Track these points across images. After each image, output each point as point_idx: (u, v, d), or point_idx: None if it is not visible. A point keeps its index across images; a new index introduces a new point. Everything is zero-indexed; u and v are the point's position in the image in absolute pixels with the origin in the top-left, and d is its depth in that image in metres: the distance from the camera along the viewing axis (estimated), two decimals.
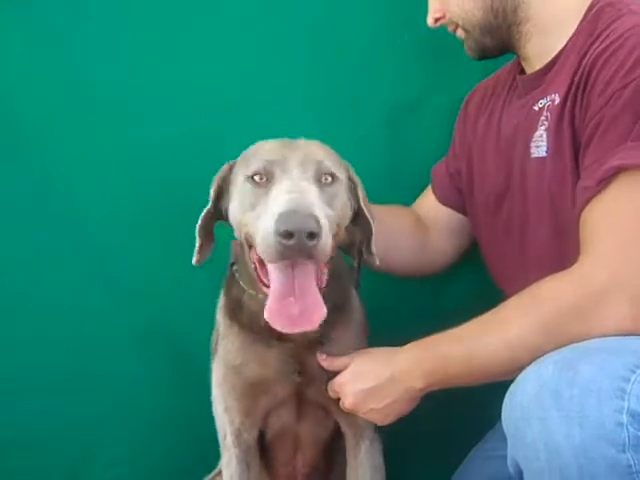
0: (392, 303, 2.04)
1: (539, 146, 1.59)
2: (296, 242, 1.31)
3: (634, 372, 1.23)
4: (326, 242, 1.37)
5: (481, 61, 1.84)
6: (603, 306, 1.36)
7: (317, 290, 1.43)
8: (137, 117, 1.99)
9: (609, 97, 1.44)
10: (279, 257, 1.36)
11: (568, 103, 1.52)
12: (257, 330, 1.60)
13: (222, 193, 1.59)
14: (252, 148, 1.56)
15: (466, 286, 2.04)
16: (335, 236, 1.47)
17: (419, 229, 1.94)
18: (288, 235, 1.31)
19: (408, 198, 2.03)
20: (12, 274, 2.03)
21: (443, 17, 1.73)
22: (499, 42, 1.69)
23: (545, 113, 1.58)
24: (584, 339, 1.34)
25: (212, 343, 1.73)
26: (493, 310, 1.49)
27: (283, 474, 1.79)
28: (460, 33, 1.73)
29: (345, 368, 1.59)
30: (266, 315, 1.42)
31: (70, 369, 2.07)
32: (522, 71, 1.74)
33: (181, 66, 1.99)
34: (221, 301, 1.71)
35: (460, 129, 1.92)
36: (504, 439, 1.76)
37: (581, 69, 1.50)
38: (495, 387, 1.86)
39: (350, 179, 1.58)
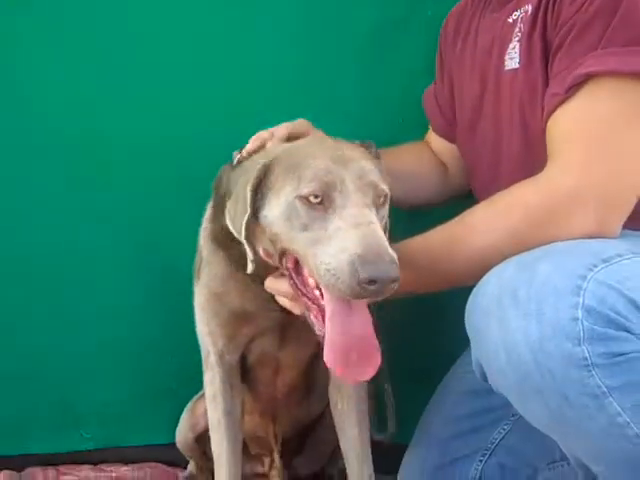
0: None
1: (512, 58, 1.58)
2: (379, 287, 1.29)
3: (591, 270, 1.24)
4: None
5: None
6: (569, 210, 1.37)
7: (374, 331, 1.40)
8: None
9: (580, 5, 1.43)
10: (353, 296, 1.33)
11: (540, 12, 1.51)
12: (239, 260, 1.56)
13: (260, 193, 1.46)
14: (299, 157, 1.44)
15: None
16: None
17: (436, 164, 1.96)
18: (372, 282, 1.28)
19: (396, 117, 2.04)
20: None
21: None
22: None
23: (519, 24, 1.58)
24: (555, 240, 1.35)
25: (194, 267, 1.74)
26: (459, 218, 1.48)
27: (264, 393, 1.82)
28: None
29: None
30: (327, 362, 1.38)
31: (58, 304, 2.13)
32: None
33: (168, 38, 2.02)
34: (205, 226, 1.69)
35: (441, 56, 1.92)
36: None
37: None
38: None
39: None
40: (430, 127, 1.99)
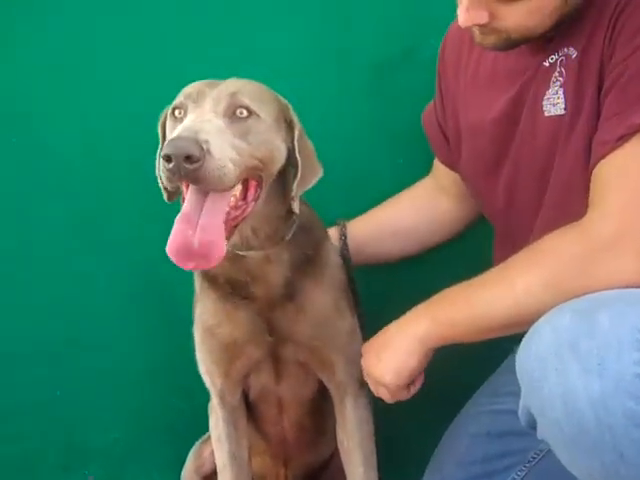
0: (386, 289, 2.03)
1: (555, 104, 1.54)
2: (174, 165, 1.31)
3: None
4: (218, 168, 1.34)
5: None
6: (608, 260, 1.34)
7: (222, 225, 1.40)
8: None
9: (635, 47, 1.39)
10: (167, 181, 1.37)
11: (590, 55, 1.47)
12: (224, 287, 1.60)
13: None
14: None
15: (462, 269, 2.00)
16: (253, 170, 1.44)
17: (426, 217, 1.95)
18: (167, 158, 1.31)
19: (393, 153, 2.01)
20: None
21: (486, 25, 1.50)
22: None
23: (559, 69, 1.53)
24: (589, 293, 1.32)
25: (193, 307, 1.73)
26: (498, 266, 1.48)
27: (273, 434, 1.79)
28: (488, 33, 1.52)
29: None
30: (167, 244, 1.39)
31: (63, 334, 2.10)
32: None
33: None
34: None
35: (440, 85, 1.87)
36: (495, 394, 1.79)
37: (603, 19, 1.44)
38: (488, 345, 1.86)
39: (286, 120, 1.54)
40: (436, 158, 1.94)
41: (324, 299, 1.63)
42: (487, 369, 1.89)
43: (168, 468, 2.07)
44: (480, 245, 1.89)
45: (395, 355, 1.56)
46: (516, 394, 1.72)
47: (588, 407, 1.21)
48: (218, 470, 1.73)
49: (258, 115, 1.46)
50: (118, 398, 2.13)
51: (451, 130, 1.83)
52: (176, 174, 1.32)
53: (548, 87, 1.54)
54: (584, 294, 1.33)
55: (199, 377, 1.78)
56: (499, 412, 1.75)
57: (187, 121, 1.40)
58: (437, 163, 1.95)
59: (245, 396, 1.74)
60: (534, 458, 1.70)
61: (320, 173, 1.57)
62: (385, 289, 2.00)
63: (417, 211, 1.94)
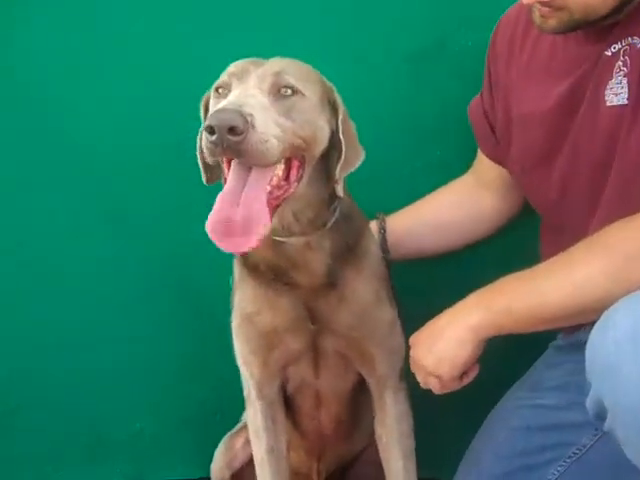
0: (423, 284, 2.00)
1: (618, 93, 1.51)
2: (218, 136, 1.29)
3: None
4: (261, 142, 1.32)
5: (500, 3, 1.81)
6: None
7: (265, 201, 1.37)
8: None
9: None
10: (210, 154, 1.34)
11: None
12: (266, 274, 1.57)
13: None
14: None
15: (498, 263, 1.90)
16: (296, 148, 1.42)
17: (468, 212, 1.92)
18: (210, 130, 1.29)
19: (429, 144, 1.98)
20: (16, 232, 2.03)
21: (549, 2, 1.48)
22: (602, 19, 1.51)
23: (622, 58, 1.50)
24: None
25: (231, 295, 1.70)
26: (559, 255, 1.48)
27: (310, 429, 1.77)
28: (553, 14, 1.49)
29: None
30: (208, 220, 1.37)
31: (89, 325, 2.07)
32: None
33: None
34: None
35: (490, 74, 1.83)
36: (535, 389, 1.77)
37: None
38: (523, 339, 1.84)
39: (330, 102, 1.52)
40: (480, 150, 1.91)
41: (365, 289, 1.61)
42: (522, 364, 1.87)
43: (192, 461, 2.06)
44: (522, 240, 1.87)
45: (448, 345, 1.53)
46: (558, 389, 1.74)
47: None
48: (256, 464, 1.70)
49: (303, 94, 1.44)
50: (143, 389, 2.09)
51: (500, 122, 1.79)
52: (219, 146, 1.30)
53: (611, 77, 1.52)
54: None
55: (227, 368, 1.76)
56: (540, 406, 1.73)
57: (231, 96, 1.38)
58: (480, 157, 1.91)
59: (283, 390, 1.71)
60: (575, 454, 1.68)
61: (362, 156, 1.55)
62: (423, 284, 1.97)
63: (459, 206, 1.91)
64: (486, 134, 1.85)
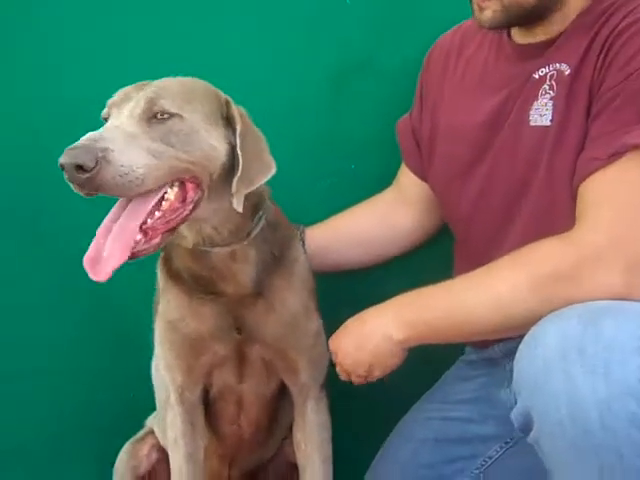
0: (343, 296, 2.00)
1: (542, 115, 1.58)
2: (69, 174, 1.29)
3: None
4: (122, 174, 1.30)
5: (430, 24, 1.90)
6: (598, 271, 1.40)
7: (135, 230, 1.37)
8: None
9: (629, 74, 1.44)
10: (76, 190, 1.33)
11: (582, 74, 1.52)
12: (190, 283, 1.57)
13: None
14: None
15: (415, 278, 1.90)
16: (185, 171, 1.41)
17: (385, 227, 1.95)
18: (62, 168, 1.30)
19: (351, 161, 2.01)
20: None
21: None
22: (534, 17, 1.59)
23: (549, 82, 1.58)
24: (575, 302, 1.37)
25: (154, 302, 1.69)
26: (484, 267, 1.50)
27: (229, 434, 1.76)
28: (487, 3, 1.58)
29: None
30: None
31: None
32: (508, 35, 1.71)
33: None
34: (160, 255, 1.66)
35: (421, 91, 1.90)
36: (445, 402, 1.83)
37: (598, 42, 1.50)
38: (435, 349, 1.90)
39: (227, 118, 1.50)
40: (403, 163, 1.96)
41: (294, 299, 1.63)
42: (428, 378, 1.93)
43: (92, 469, 2.00)
44: (440, 256, 1.92)
45: (378, 358, 1.58)
46: (469, 402, 1.80)
47: (593, 408, 1.26)
48: (173, 471, 1.67)
49: (181, 116, 1.42)
50: (39, 398, 2.03)
51: (425, 137, 1.85)
52: (73, 183, 1.30)
53: (536, 98, 1.60)
54: (570, 303, 1.37)
55: (129, 372, 1.77)
56: (450, 419, 1.80)
57: (100, 129, 1.37)
58: (403, 173, 1.96)
59: (204, 394, 1.69)
60: (482, 465, 1.76)
61: (271, 170, 1.52)
62: (342, 296, 2.00)
63: (377, 221, 1.95)
64: (412, 150, 1.91)
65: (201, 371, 1.64)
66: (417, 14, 1.97)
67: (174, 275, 1.59)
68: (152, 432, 1.87)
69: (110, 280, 1.93)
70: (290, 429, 1.77)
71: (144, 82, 1.46)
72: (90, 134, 1.33)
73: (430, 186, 1.89)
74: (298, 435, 1.73)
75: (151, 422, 1.89)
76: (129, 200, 1.38)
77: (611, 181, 1.44)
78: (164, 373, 1.67)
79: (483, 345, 1.79)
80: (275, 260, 1.59)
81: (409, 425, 1.86)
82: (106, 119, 1.43)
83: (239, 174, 1.46)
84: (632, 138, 1.42)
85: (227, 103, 1.50)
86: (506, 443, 1.72)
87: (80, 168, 1.27)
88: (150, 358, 1.79)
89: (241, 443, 1.77)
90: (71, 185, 1.32)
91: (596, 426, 1.26)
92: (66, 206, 1.92)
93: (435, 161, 1.83)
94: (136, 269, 1.88)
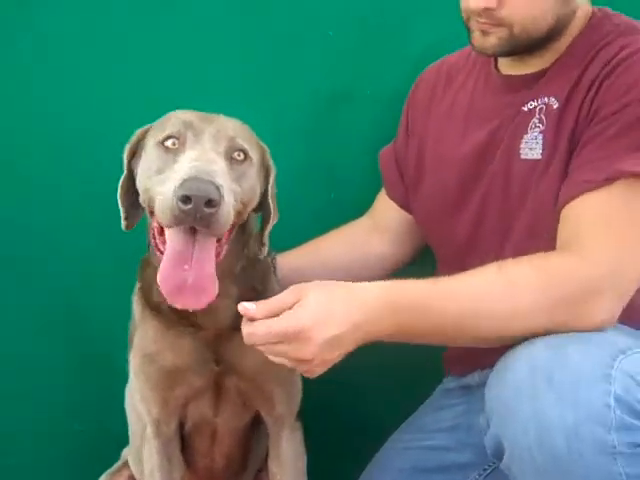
0: None
1: (533, 148, 1.60)
2: (193, 207, 1.30)
3: (615, 360, 1.30)
4: (226, 214, 1.35)
5: (411, 56, 1.95)
6: (598, 301, 1.41)
7: (214, 266, 1.40)
8: None
9: (625, 105, 1.46)
10: (175, 221, 1.34)
11: (570, 108, 1.54)
12: (169, 315, 1.55)
13: (136, 158, 1.54)
14: (169, 115, 1.52)
15: None
16: (239, 214, 1.45)
17: (358, 255, 1.94)
18: (187, 199, 1.30)
19: (331, 190, 2.03)
20: None
21: (493, 9, 1.55)
22: (536, 47, 1.60)
23: (538, 115, 1.59)
24: (576, 327, 1.38)
25: (129, 333, 1.67)
26: (502, 274, 1.43)
27: (202, 466, 1.74)
28: (493, 30, 1.57)
29: (288, 307, 1.37)
30: (159, 280, 1.38)
31: None
32: (495, 66, 1.72)
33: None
34: (136, 286, 1.65)
35: (407, 122, 1.91)
36: (423, 431, 1.83)
37: (588, 76, 1.53)
38: (414, 376, 1.89)
39: (264, 164, 1.56)
40: (385, 193, 1.96)
41: None
42: (407, 406, 1.93)
43: None
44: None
45: (336, 358, 1.40)
46: (448, 430, 1.80)
47: (561, 434, 1.27)
48: None
49: (252, 158, 1.47)
50: (13, 426, 2.02)
51: (411, 166, 1.86)
52: (191, 216, 1.30)
53: (526, 132, 1.61)
54: (570, 328, 1.38)
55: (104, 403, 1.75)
56: (428, 448, 1.80)
57: (193, 159, 1.38)
58: (380, 202, 1.97)
59: (179, 428, 1.68)
60: None
61: (277, 218, 1.58)
62: None
63: (350, 249, 1.94)
64: (395, 180, 1.92)
65: (176, 403, 1.62)
66: (399, 45, 2.00)
67: (152, 307, 1.58)
68: (127, 464, 1.85)
69: (85, 306, 2.00)
70: (265, 460, 1.75)
71: (200, 113, 1.49)
72: (199, 166, 1.35)
73: (415, 216, 1.89)
74: (273, 466, 1.71)
75: (127, 453, 1.87)
76: (192, 232, 1.38)
77: (601, 206, 1.45)
78: (139, 405, 1.65)
79: (462, 373, 1.80)
80: (255, 295, 1.56)
81: (387, 455, 1.86)
82: (172, 139, 1.43)
83: (272, 222, 1.55)
84: (627, 165, 1.44)
85: (265, 151, 1.56)
86: (484, 470, 1.72)
87: (208, 202, 1.29)
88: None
89: (214, 476, 1.75)
90: (173, 217, 1.32)
91: (564, 452, 1.27)
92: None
93: (423, 191, 1.83)
94: (111, 301, 1.93)
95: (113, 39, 1.95)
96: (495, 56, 1.68)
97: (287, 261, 1.89)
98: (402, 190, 1.91)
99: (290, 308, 1.36)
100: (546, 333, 1.38)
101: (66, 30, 1.94)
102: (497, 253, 1.58)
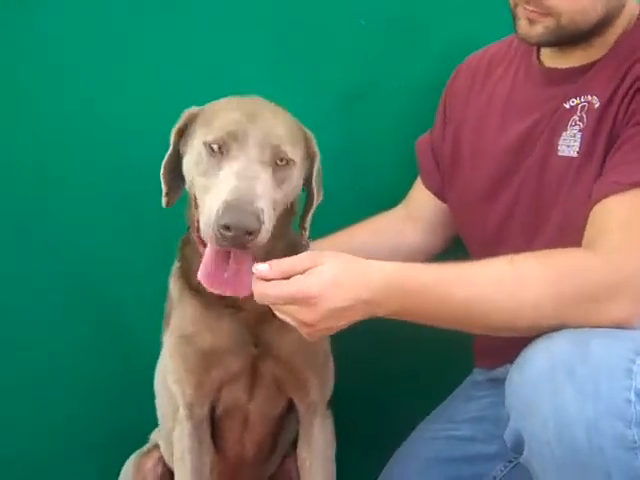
0: None
1: (570, 145, 1.59)
2: (233, 235, 1.34)
3: (637, 354, 1.30)
4: (265, 234, 1.38)
5: (441, 48, 1.94)
6: (614, 299, 1.39)
7: (252, 263, 1.41)
8: None
9: None
10: (215, 243, 1.38)
11: (611, 107, 1.54)
12: (208, 296, 1.55)
13: (184, 139, 1.56)
14: (216, 108, 1.53)
15: None
16: (279, 213, 1.47)
17: (389, 243, 1.93)
18: (227, 228, 1.34)
19: (362, 182, 2.03)
20: None
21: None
22: (582, 39, 1.59)
23: (579, 113, 1.59)
24: (586, 323, 1.37)
25: (165, 316, 1.68)
26: (509, 266, 1.43)
27: (232, 453, 1.75)
28: (541, 19, 1.56)
29: (301, 271, 1.38)
30: (199, 276, 1.42)
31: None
32: (537, 57, 1.71)
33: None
34: (175, 266, 1.67)
35: (444, 111, 1.91)
36: (451, 421, 1.84)
37: (632, 75, 1.52)
38: (443, 367, 1.90)
39: (309, 152, 1.57)
40: (421, 182, 1.96)
41: None
42: (435, 397, 1.94)
43: None
44: None
45: (338, 328, 1.43)
46: (474, 421, 1.81)
47: (581, 429, 1.27)
48: None
49: (294, 162, 1.49)
50: (43, 409, 2.04)
51: (447, 156, 1.86)
52: (228, 241, 1.35)
53: (565, 128, 1.61)
54: (582, 323, 1.37)
55: (137, 389, 1.78)
56: (455, 438, 1.81)
57: (236, 173, 1.40)
58: (416, 191, 1.97)
59: (211, 412, 1.69)
60: None
61: (321, 199, 1.60)
62: None
63: (383, 238, 1.94)
64: (431, 169, 1.92)
65: (211, 386, 1.64)
66: (431, 35, 2.00)
67: (193, 287, 1.59)
68: (157, 446, 1.87)
69: (115, 291, 2.01)
70: (292, 446, 1.78)
71: (249, 106, 1.50)
72: (242, 188, 1.37)
73: (450, 206, 1.89)
74: (303, 453, 1.72)
75: (156, 436, 1.89)
76: None
77: (629, 207, 1.44)
78: (173, 387, 1.66)
79: (491, 366, 1.81)
80: None
81: (414, 444, 1.87)
82: (218, 145, 1.44)
83: (314, 209, 1.58)
84: None
85: (311, 139, 1.58)
86: (510, 462, 1.73)
87: (248, 232, 1.34)
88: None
89: (243, 462, 1.76)
90: (215, 238, 1.35)
91: (584, 446, 1.27)
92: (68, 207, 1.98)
93: (458, 181, 1.84)
94: (142, 283, 1.95)
95: (123, 33, 1.97)
96: (539, 45, 1.67)
97: (320, 248, 1.89)
98: (438, 179, 1.91)
99: (302, 273, 1.38)
100: (557, 327, 1.38)
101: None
102: (526, 248, 1.56)
